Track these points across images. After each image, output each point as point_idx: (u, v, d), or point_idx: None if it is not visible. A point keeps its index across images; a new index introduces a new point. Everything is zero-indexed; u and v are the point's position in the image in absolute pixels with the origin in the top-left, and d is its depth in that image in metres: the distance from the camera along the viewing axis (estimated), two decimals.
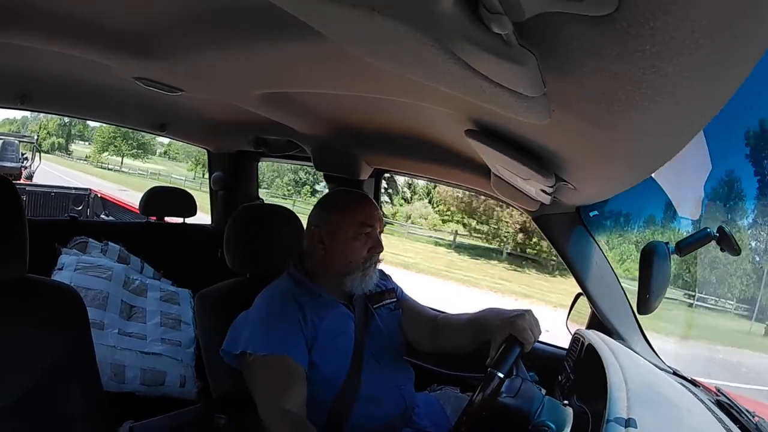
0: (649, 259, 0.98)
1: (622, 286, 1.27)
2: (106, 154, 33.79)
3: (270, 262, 1.42)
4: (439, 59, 0.48)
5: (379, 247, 1.24)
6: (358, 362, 1.22)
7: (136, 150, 33.97)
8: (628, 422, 0.72)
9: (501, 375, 0.92)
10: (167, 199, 2.40)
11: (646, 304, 0.99)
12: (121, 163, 33.79)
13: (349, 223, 1.22)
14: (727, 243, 0.98)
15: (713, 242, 0.99)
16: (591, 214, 1.26)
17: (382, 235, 1.27)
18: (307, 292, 1.23)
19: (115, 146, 33.41)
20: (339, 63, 0.92)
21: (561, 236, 1.29)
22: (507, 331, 1.00)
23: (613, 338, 1.22)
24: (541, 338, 1.09)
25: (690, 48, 0.38)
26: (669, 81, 0.44)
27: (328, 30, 0.55)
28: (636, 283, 0.99)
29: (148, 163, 34.86)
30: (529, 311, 1.05)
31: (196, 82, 1.36)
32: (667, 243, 1.01)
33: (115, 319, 1.91)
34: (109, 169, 30.93)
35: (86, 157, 33.57)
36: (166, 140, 32.12)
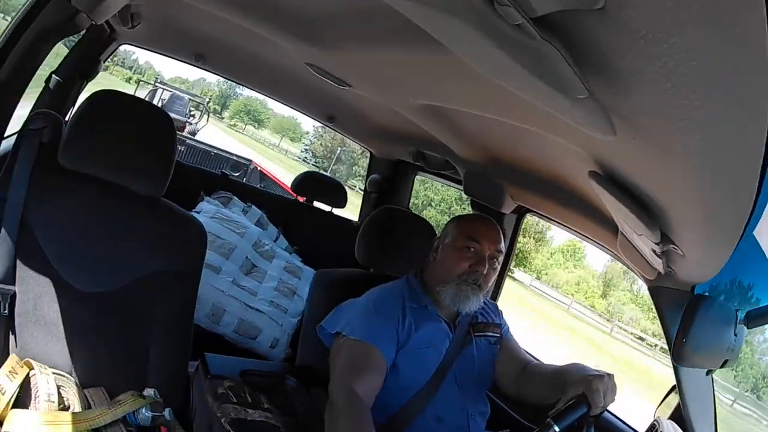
0: (693, 311, 0.90)
1: (713, 388, 1.17)
2: (234, 120, 44.51)
3: (395, 263, 1.47)
4: (501, 58, 0.57)
5: (480, 266, 1.23)
6: (439, 379, 1.24)
7: (253, 122, 44.89)
8: None
9: (557, 429, 0.91)
10: (320, 185, 2.51)
11: (680, 351, 0.90)
12: (244, 128, 43.80)
13: (460, 233, 1.27)
14: None
15: None
16: None
17: (495, 262, 1.26)
18: (416, 300, 1.28)
19: (240, 117, 44.51)
20: (480, 80, 0.94)
21: (670, 314, 1.20)
22: (581, 388, 0.98)
23: None
24: None
25: (679, 25, 0.39)
26: (681, 72, 0.45)
27: (438, 35, 0.66)
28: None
29: (262, 131, 45.11)
30: (610, 375, 1.02)
31: (363, 80, 1.41)
32: (737, 309, 0.91)
33: (234, 270, 2.02)
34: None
35: (233, 125, 44.08)
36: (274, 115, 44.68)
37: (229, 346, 1.88)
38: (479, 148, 1.51)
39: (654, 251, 0.93)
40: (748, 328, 0.93)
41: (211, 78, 46.41)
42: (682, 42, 0.42)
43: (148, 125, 1.20)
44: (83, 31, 1.77)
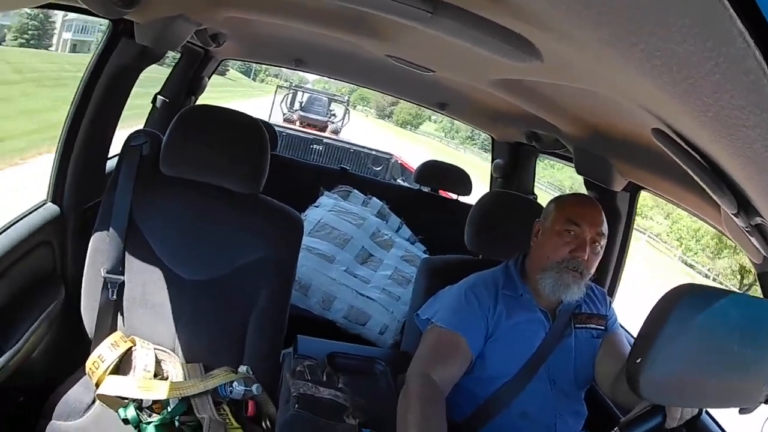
0: (668, 309, 0.62)
1: None
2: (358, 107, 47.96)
3: (505, 248, 1.40)
4: None
5: (581, 251, 1.14)
6: (530, 372, 1.18)
7: (366, 106, 48.03)
8: None
9: None
10: (442, 173, 2.50)
11: (633, 371, 0.64)
12: (363, 109, 47.39)
13: (559, 216, 1.19)
14: None
15: None
16: None
17: (597, 246, 1.16)
18: (511, 287, 1.23)
19: (359, 102, 46.60)
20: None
21: None
22: None
23: None
24: None
25: None
26: None
27: None
28: None
29: (371, 109, 49.14)
30: None
31: (444, 64, 1.38)
32: None
33: (348, 260, 2.10)
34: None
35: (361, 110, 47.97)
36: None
37: (339, 332, 1.96)
38: (579, 122, 1.41)
39: (744, 227, 0.79)
40: None
41: None
42: None
43: (237, 130, 1.30)
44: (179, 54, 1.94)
